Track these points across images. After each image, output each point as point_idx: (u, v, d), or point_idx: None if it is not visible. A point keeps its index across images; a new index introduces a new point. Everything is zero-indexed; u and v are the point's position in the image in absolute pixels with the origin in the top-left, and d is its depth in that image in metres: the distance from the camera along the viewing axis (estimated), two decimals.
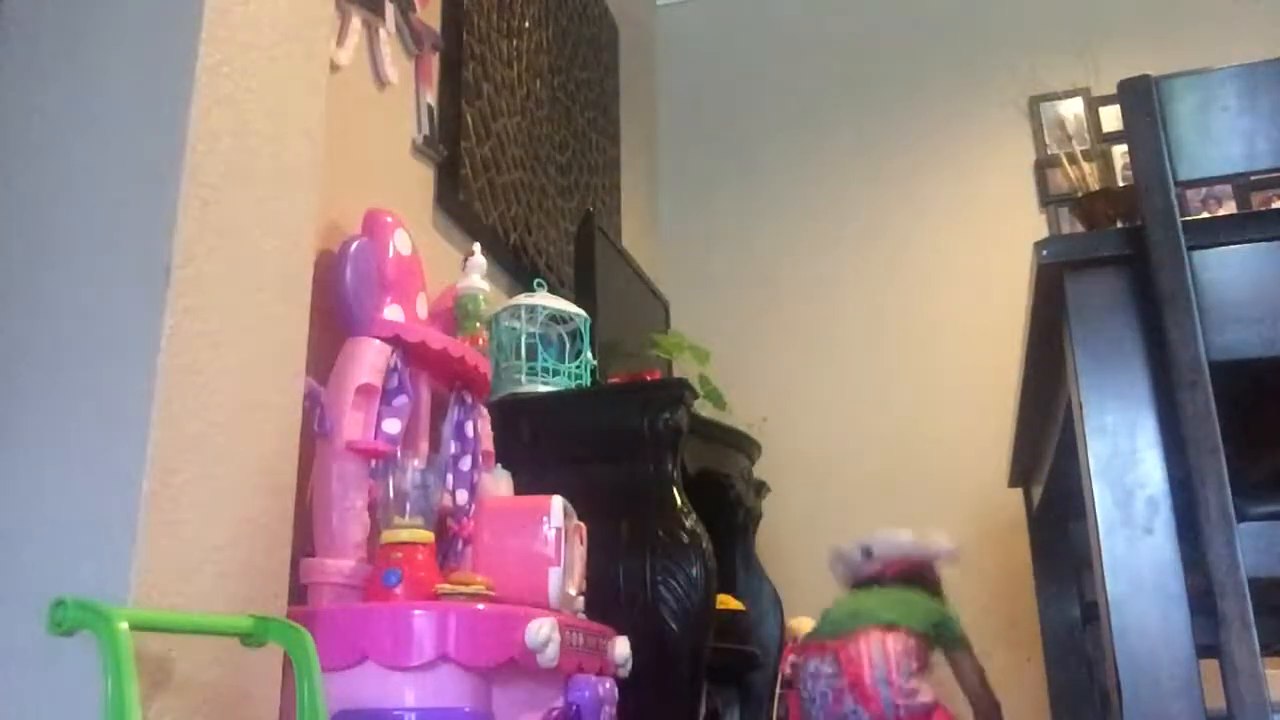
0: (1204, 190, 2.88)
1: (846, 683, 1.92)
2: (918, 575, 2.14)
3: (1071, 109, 3.25)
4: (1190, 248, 1.08)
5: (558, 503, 1.46)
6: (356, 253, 1.46)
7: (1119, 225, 1.53)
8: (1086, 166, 2.40)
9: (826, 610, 2.11)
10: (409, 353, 1.51)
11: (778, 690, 2.32)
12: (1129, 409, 1.10)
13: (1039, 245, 1.17)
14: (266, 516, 1.15)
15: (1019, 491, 2.28)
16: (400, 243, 1.56)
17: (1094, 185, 2.36)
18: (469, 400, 1.65)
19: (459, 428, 1.61)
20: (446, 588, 1.28)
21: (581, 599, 1.53)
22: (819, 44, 3.61)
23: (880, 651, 1.92)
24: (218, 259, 1.11)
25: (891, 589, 2.11)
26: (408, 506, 1.38)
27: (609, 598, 1.66)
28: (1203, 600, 1.02)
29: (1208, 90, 1.13)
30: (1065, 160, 2.59)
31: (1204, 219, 1.15)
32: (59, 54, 1.16)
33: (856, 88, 3.52)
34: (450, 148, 2.03)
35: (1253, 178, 2.57)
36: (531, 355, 1.92)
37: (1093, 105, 3.22)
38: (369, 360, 1.44)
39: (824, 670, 1.96)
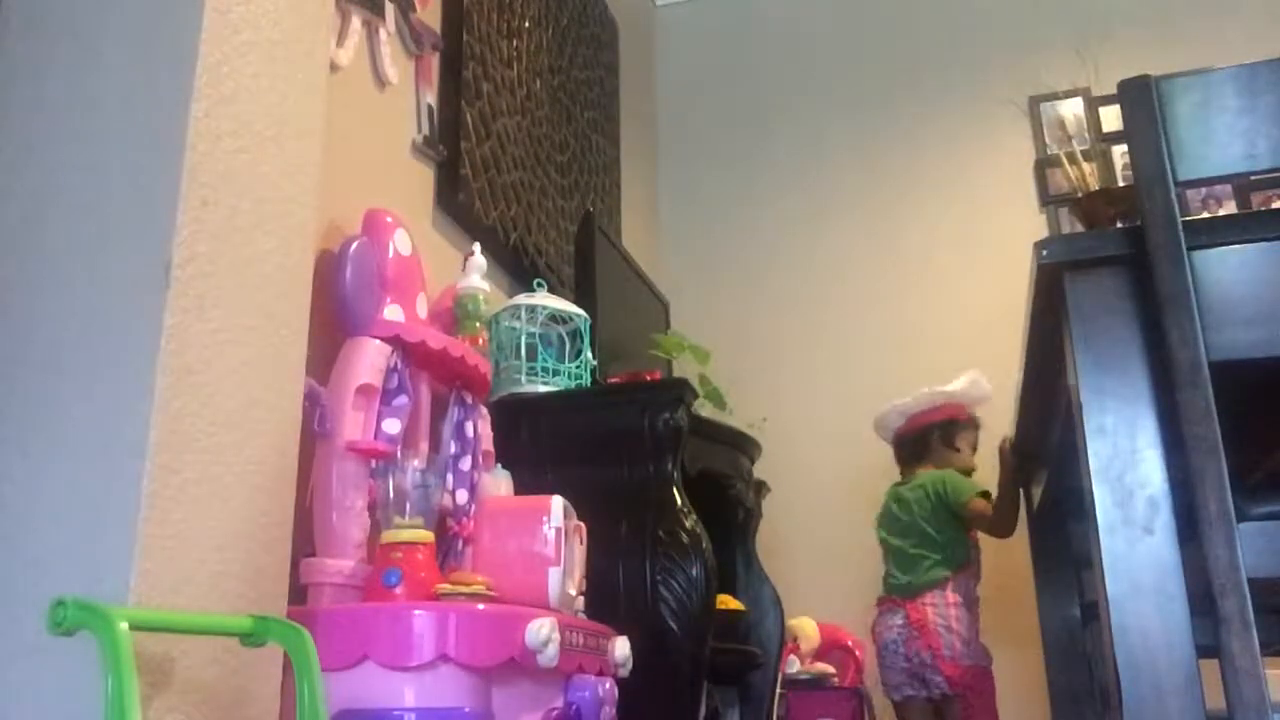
0: (1204, 190, 2.88)
1: (914, 629, 2.32)
2: (928, 433, 2.48)
3: (1071, 109, 3.25)
4: (1190, 248, 1.08)
5: (558, 503, 1.46)
6: (356, 253, 1.46)
7: (1119, 225, 1.53)
8: (1086, 166, 2.40)
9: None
10: (409, 353, 1.51)
11: (778, 690, 2.32)
12: (1129, 409, 1.10)
13: (1039, 245, 1.17)
14: (266, 516, 1.15)
15: (1019, 491, 2.28)
16: (400, 243, 1.56)
17: (1094, 185, 2.36)
18: (469, 400, 1.65)
19: (459, 428, 1.61)
20: (446, 588, 1.28)
21: (581, 599, 1.53)
22: (818, 43, 3.61)
23: (942, 603, 2.32)
24: (218, 259, 1.11)
25: (911, 481, 2.47)
26: (408, 506, 1.38)
27: (609, 598, 1.66)
28: (1203, 600, 1.02)
29: (1208, 90, 1.13)
30: (1065, 160, 2.59)
31: (1204, 219, 1.15)
32: (59, 54, 1.16)
33: (856, 88, 3.52)
34: (450, 148, 2.03)
35: (1253, 178, 2.57)
36: (531, 355, 1.92)
37: (1093, 105, 3.22)
38: (369, 360, 1.44)
39: (895, 622, 2.36)
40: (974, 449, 2.48)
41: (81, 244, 1.08)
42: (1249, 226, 1.13)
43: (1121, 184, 2.86)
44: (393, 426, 1.45)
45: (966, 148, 3.35)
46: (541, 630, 1.25)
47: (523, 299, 1.96)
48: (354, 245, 1.47)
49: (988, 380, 2.48)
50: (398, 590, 1.27)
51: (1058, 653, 2.05)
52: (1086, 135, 3.20)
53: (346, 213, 1.59)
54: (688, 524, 1.74)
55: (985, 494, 2.34)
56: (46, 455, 1.03)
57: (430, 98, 2.01)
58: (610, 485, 1.77)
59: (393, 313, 1.50)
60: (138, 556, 0.97)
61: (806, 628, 2.66)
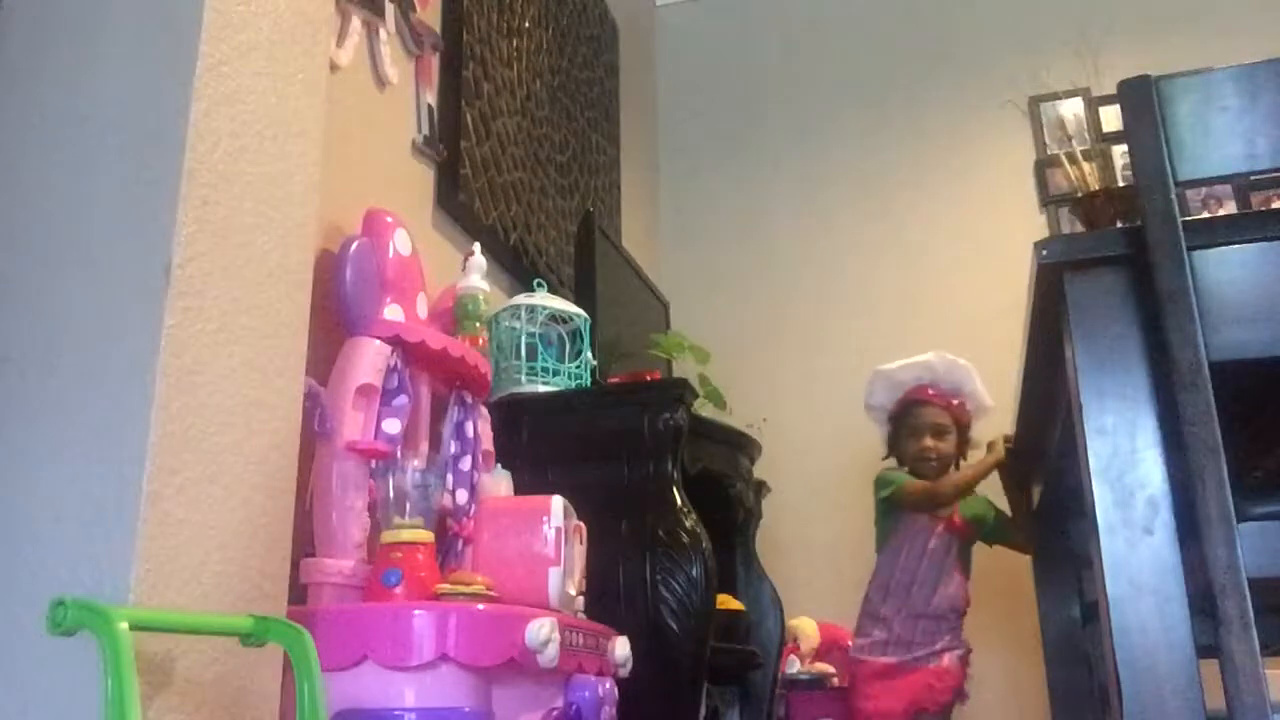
0: (1204, 190, 2.88)
1: None
2: (889, 448, 2.47)
3: (1071, 109, 3.25)
4: (1190, 248, 1.08)
5: (558, 503, 1.46)
6: (356, 253, 1.46)
7: (1119, 225, 1.53)
8: (1086, 166, 2.40)
9: None
10: (409, 353, 1.51)
11: (778, 690, 2.32)
12: (1129, 409, 1.10)
13: (1039, 245, 1.17)
14: (266, 516, 1.15)
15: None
16: (400, 243, 1.56)
17: (1094, 185, 2.36)
18: (469, 400, 1.65)
19: (459, 428, 1.61)
20: (446, 588, 1.28)
21: (581, 599, 1.53)
22: (819, 43, 3.61)
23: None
24: (218, 259, 1.11)
25: None
26: (408, 506, 1.38)
27: (609, 598, 1.66)
28: (1203, 600, 1.02)
29: (1208, 90, 1.13)
30: (1065, 160, 2.59)
31: (1204, 219, 1.15)
32: (59, 54, 1.16)
33: (857, 88, 3.52)
34: (450, 148, 2.03)
35: (1253, 178, 2.57)
36: (531, 355, 1.92)
37: (1093, 105, 3.22)
38: (369, 360, 1.44)
39: None
40: (920, 432, 2.35)
41: (81, 244, 1.08)
42: (1249, 226, 1.13)
43: (1121, 184, 2.86)
44: (393, 426, 1.45)
45: (966, 148, 3.35)
46: (541, 630, 1.25)
47: (523, 299, 1.96)
48: (354, 245, 1.47)
49: (890, 363, 2.42)
50: (398, 590, 1.27)
51: (1058, 653, 2.05)
52: (1086, 135, 3.20)
53: (346, 213, 1.59)
54: (688, 524, 1.74)
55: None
56: (46, 455, 1.03)
57: (430, 98, 2.01)
58: (610, 485, 1.77)
59: (393, 313, 1.50)
60: (138, 556, 0.97)
61: (806, 628, 2.66)
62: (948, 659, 2.24)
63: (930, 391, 2.37)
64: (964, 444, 2.40)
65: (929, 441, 2.34)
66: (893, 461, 2.46)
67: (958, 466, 2.40)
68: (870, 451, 2.61)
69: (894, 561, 2.31)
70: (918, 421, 2.36)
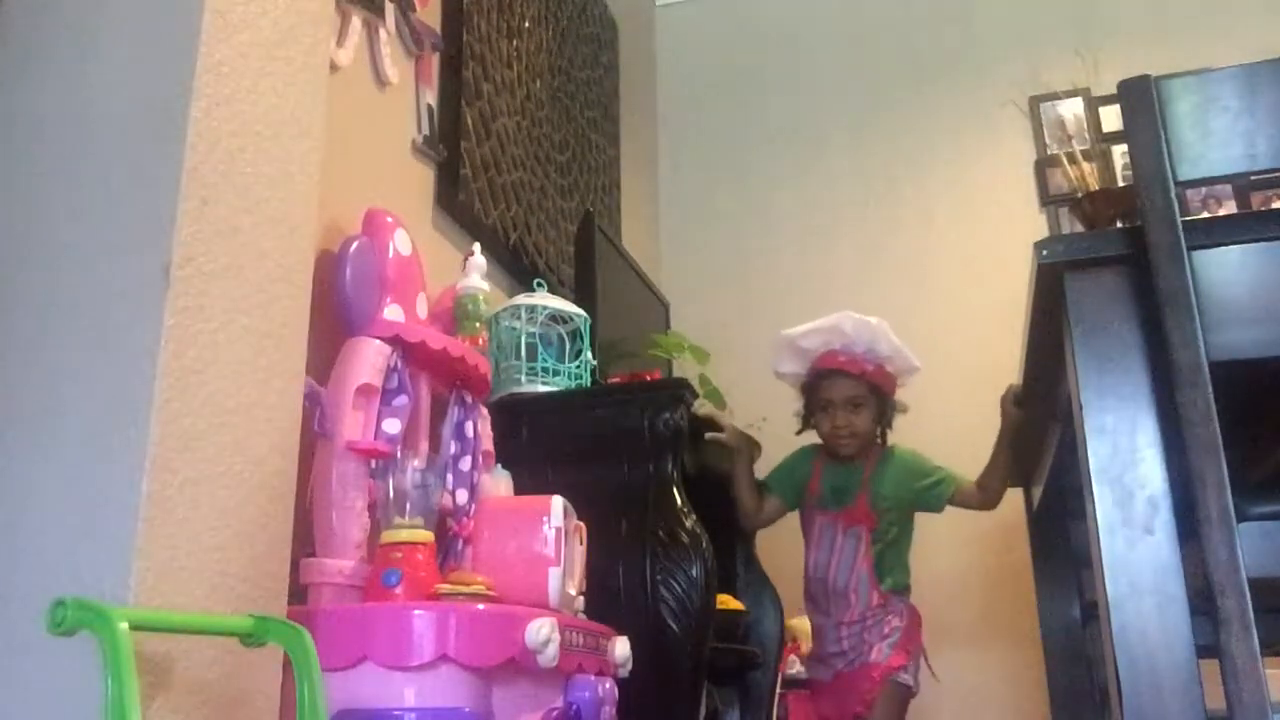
0: (1204, 190, 2.88)
1: None
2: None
3: (1071, 109, 3.25)
4: (1190, 248, 1.08)
5: (558, 503, 1.46)
6: (356, 253, 1.46)
7: (1119, 225, 1.53)
8: (1086, 166, 2.40)
9: None
10: (409, 353, 1.51)
11: (778, 690, 2.32)
12: (1129, 409, 1.10)
13: (1039, 245, 1.17)
14: (266, 516, 1.15)
15: (1019, 491, 2.28)
16: (400, 243, 1.56)
17: (1094, 185, 2.36)
18: (469, 400, 1.65)
19: (459, 428, 1.61)
20: (446, 588, 1.28)
21: (581, 599, 1.53)
22: (819, 43, 3.61)
23: None
24: (218, 259, 1.11)
25: None
26: (408, 506, 1.38)
27: (609, 598, 1.66)
28: (1203, 600, 1.02)
29: (1208, 90, 1.13)
30: (1065, 160, 2.59)
31: (1204, 219, 1.16)
32: (59, 54, 1.16)
33: (856, 88, 3.52)
34: (450, 148, 2.03)
35: (1253, 178, 2.57)
36: (531, 355, 1.92)
37: (1093, 105, 3.22)
38: (369, 360, 1.44)
39: None
40: (832, 407, 2.10)
41: (81, 244, 1.08)
42: (1249, 226, 1.13)
43: (1121, 184, 2.86)
44: (393, 426, 1.45)
45: (967, 148, 3.34)
46: (541, 630, 1.25)
47: (523, 299, 1.96)
48: (354, 245, 1.47)
49: (794, 329, 2.14)
50: (397, 590, 1.27)
51: (1058, 653, 2.05)
52: (1086, 135, 3.20)
53: (346, 213, 1.59)
54: (688, 524, 1.74)
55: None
56: (46, 455, 1.03)
57: (430, 98, 2.01)
58: (610, 485, 1.77)
59: (393, 313, 1.50)
60: (138, 556, 0.97)
61: (806, 628, 2.65)
62: (875, 651, 2.04)
63: (841, 359, 2.08)
64: (886, 413, 2.15)
65: (841, 419, 2.08)
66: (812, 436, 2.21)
67: (883, 439, 2.17)
68: None
69: (810, 567, 2.13)
70: (829, 395, 2.10)
